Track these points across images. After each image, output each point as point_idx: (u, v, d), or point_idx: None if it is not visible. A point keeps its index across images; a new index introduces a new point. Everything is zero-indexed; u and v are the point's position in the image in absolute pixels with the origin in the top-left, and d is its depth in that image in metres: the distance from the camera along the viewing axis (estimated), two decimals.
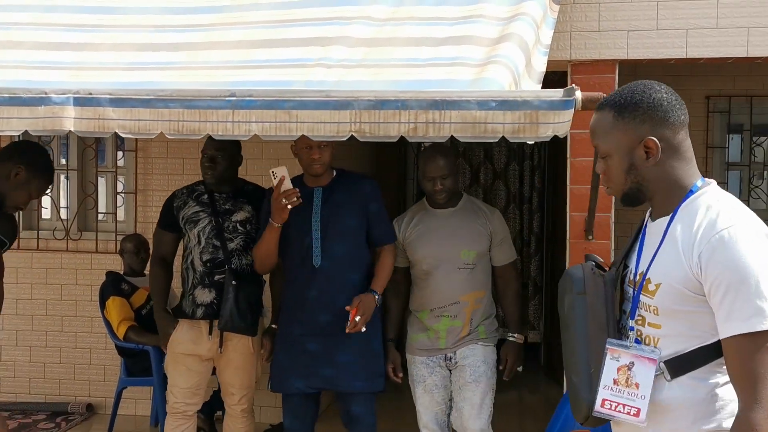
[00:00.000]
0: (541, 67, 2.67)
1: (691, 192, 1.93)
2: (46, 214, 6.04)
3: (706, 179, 1.96)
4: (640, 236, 2.03)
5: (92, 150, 5.82)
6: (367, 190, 3.63)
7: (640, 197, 1.99)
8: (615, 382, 1.94)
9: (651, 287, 1.92)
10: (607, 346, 1.97)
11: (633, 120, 1.93)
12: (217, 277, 3.79)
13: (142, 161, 5.66)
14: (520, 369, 3.72)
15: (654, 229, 1.97)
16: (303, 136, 3.25)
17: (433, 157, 3.58)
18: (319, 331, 3.57)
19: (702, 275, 1.82)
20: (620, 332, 2.00)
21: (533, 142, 6.40)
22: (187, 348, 3.87)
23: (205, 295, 3.79)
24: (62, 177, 6.05)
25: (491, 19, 2.69)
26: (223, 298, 3.73)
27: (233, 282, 3.73)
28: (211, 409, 5.20)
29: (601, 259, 2.13)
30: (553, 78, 3.44)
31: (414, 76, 2.45)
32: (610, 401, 1.94)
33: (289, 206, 3.37)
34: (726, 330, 1.79)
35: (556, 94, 2.26)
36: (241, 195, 3.86)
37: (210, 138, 3.07)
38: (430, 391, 3.71)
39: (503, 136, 2.26)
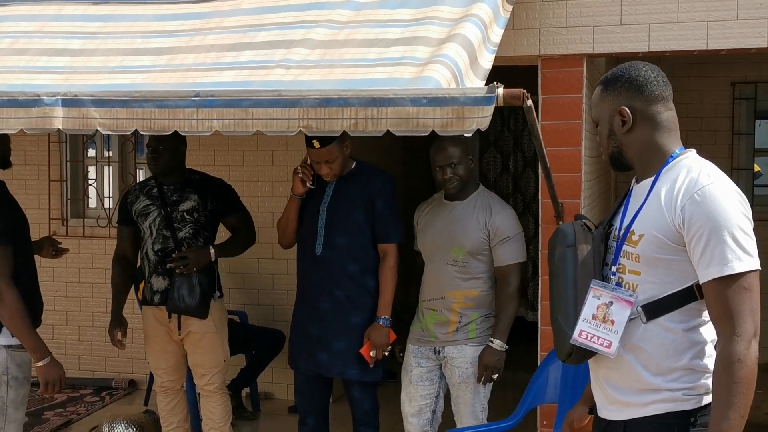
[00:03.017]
0: (487, 64, 2.85)
1: (672, 157, 2.21)
2: (91, 203, 6.48)
3: (685, 148, 2.24)
4: (626, 198, 2.31)
5: (131, 143, 6.22)
6: (377, 187, 3.78)
7: (622, 161, 2.31)
8: (594, 317, 2.21)
9: (634, 238, 2.18)
10: (591, 285, 2.24)
11: (613, 92, 2.27)
12: (169, 265, 4.10)
13: None
14: (495, 377, 3.60)
15: (639, 190, 2.26)
16: (310, 152, 3.66)
17: (442, 145, 3.61)
18: (319, 317, 3.80)
19: (684, 227, 2.07)
20: (603, 280, 2.26)
21: None
22: (158, 331, 4.22)
23: (159, 283, 4.13)
24: (105, 168, 6.48)
25: (442, 21, 2.90)
26: (172, 284, 4.04)
27: (179, 270, 4.03)
28: (238, 387, 5.55)
29: (590, 219, 2.40)
30: (524, 71, 3.62)
31: (361, 76, 2.68)
32: (587, 332, 2.22)
33: (300, 176, 3.74)
34: (707, 274, 2.04)
35: (480, 91, 2.44)
36: (189, 185, 4.16)
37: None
38: (415, 383, 3.76)
39: (433, 130, 2.47)
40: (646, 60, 2.61)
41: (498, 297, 3.69)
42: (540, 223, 3.65)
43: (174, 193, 4.16)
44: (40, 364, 3.45)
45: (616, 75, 2.28)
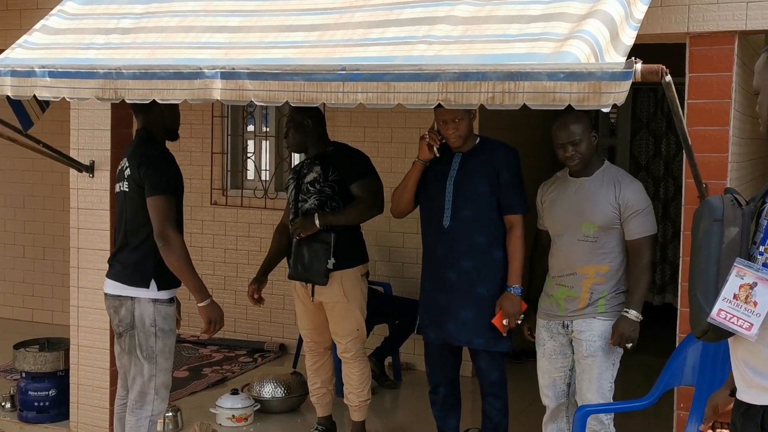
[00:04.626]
0: (629, 40, 2.84)
1: None
2: (249, 175, 6.84)
3: None
4: None
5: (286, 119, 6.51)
6: (501, 158, 3.90)
7: None
8: (735, 297, 2.12)
9: None
10: (735, 264, 2.14)
11: None
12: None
13: (330, 129, 6.23)
14: (629, 346, 3.63)
15: None
16: (438, 111, 3.77)
17: (563, 123, 3.63)
18: (446, 287, 3.92)
19: None
20: (749, 258, 2.16)
21: None
22: (301, 293, 4.44)
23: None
24: (263, 142, 6.81)
25: None
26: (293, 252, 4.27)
27: (296, 238, 4.25)
28: (381, 355, 5.74)
29: (740, 194, 2.29)
30: (675, 49, 3.56)
31: (500, 51, 2.74)
32: (726, 312, 2.12)
33: (428, 140, 3.85)
34: None
35: (617, 66, 2.47)
36: (319, 158, 4.34)
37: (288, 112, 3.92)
38: (548, 356, 3.80)
39: (569, 105, 2.51)
40: None
41: (631, 270, 3.69)
42: (683, 203, 3.59)
43: (306, 167, 4.41)
44: (203, 304, 3.75)
45: None
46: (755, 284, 2.10)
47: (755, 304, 2.09)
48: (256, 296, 4.59)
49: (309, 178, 4.36)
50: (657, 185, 7.48)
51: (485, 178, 3.87)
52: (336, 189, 4.32)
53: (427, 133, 3.91)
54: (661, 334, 4.56)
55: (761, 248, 2.16)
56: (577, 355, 3.74)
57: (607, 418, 3.72)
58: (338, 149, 4.47)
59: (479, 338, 3.88)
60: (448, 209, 3.89)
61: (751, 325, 2.10)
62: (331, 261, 4.28)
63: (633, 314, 3.62)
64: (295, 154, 6.48)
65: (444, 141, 3.91)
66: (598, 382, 3.66)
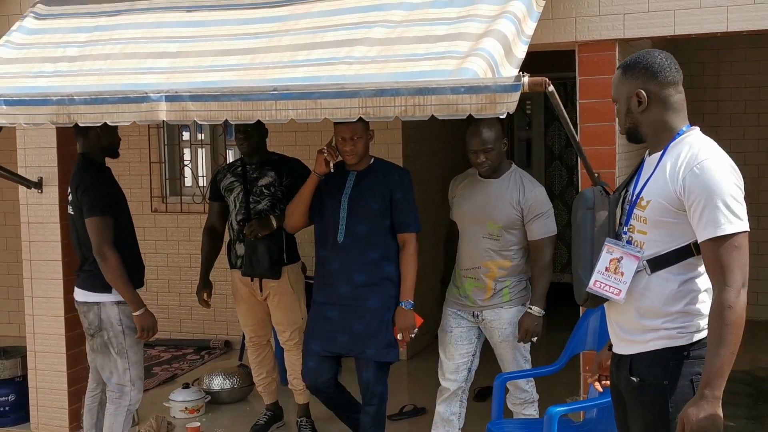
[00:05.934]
0: (520, 54, 3.29)
1: (678, 135, 2.58)
2: (187, 182, 7.15)
3: (691, 126, 2.61)
4: (639, 169, 2.69)
5: (221, 127, 6.85)
6: (395, 179, 4.08)
7: (637, 136, 2.67)
8: (606, 269, 2.60)
9: (643, 203, 2.58)
10: (605, 243, 2.62)
11: (631, 76, 2.59)
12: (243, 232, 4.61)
13: None
14: (534, 340, 3.94)
15: (650, 161, 2.64)
16: (338, 128, 4.00)
17: (476, 130, 3.91)
18: (338, 301, 4.08)
19: (684, 195, 2.44)
20: (616, 237, 2.66)
21: None
22: (243, 292, 4.74)
23: (241, 249, 4.67)
24: (198, 150, 7.13)
25: (481, 18, 3.34)
26: (245, 250, 4.59)
27: (252, 238, 4.55)
28: None
29: (608, 185, 2.80)
30: (565, 56, 4.04)
31: (410, 69, 3.16)
32: (601, 282, 2.62)
33: (325, 155, 3.98)
34: (704, 235, 2.41)
35: (508, 80, 2.90)
36: (268, 164, 4.68)
37: None
38: (454, 342, 4.09)
39: (470, 114, 2.94)
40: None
41: (533, 268, 4.02)
42: (579, 190, 4.06)
43: (255, 171, 4.73)
44: (137, 313, 4.13)
45: (634, 61, 2.59)
46: (622, 258, 2.60)
47: (622, 274, 2.59)
48: (209, 300, 4.90)
49: (264, 181, 4.69)
50: (570, 173, 8.02)
51: (378, 197, 4.02)
52: (285, 193, 4.68)
53: (325, 147, 4.02)
54: (572, 310, 5.04)
55: (625, 228, 2.66)
56: (492, 341, 4.11)
57: (528, 385, 4.16)
58: (283, 158, 4.83)
59: (370, 349, 4.04)
60: (342, 225, 4.03)
61: (620, 291, 2.60)
62: (285, 256, 4.68)
63: (536, 310, 3.94)
64: (227, 159, 6.83)
65: (340, 159, 4.03)
66: (515, 361, 4.08)
